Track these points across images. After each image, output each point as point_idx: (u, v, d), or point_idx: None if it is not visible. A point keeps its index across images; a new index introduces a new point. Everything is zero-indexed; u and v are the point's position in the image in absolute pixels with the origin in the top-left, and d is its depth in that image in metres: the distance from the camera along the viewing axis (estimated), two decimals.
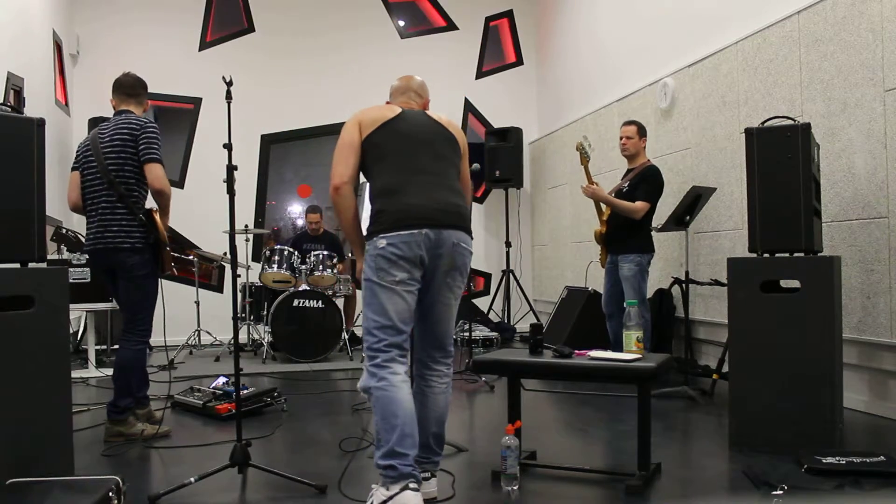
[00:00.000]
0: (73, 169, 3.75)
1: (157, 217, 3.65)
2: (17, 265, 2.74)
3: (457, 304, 2.70)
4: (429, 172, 2.63)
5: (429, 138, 2.69)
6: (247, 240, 7.19)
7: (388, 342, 2.49)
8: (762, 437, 3.23)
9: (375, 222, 2.56)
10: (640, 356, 2.93)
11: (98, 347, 5.94)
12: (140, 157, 3.57)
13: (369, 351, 2.52)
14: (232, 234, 3.01)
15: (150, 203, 3.67)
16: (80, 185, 3.70)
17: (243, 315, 6.72)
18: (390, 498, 2.34)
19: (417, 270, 2.53)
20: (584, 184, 4.97)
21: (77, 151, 3.79)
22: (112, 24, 7.74)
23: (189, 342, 6.95)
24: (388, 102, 2.87)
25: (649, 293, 5.63)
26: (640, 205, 4.81)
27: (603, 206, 5.05)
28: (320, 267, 6.50)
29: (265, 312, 6.67)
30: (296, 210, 8.46)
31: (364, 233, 2.65)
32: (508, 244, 7.86)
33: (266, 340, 6.50)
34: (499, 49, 8.89)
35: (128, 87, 3.80)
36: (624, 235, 4.91)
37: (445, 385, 2.73)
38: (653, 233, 4.96)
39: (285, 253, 6.54)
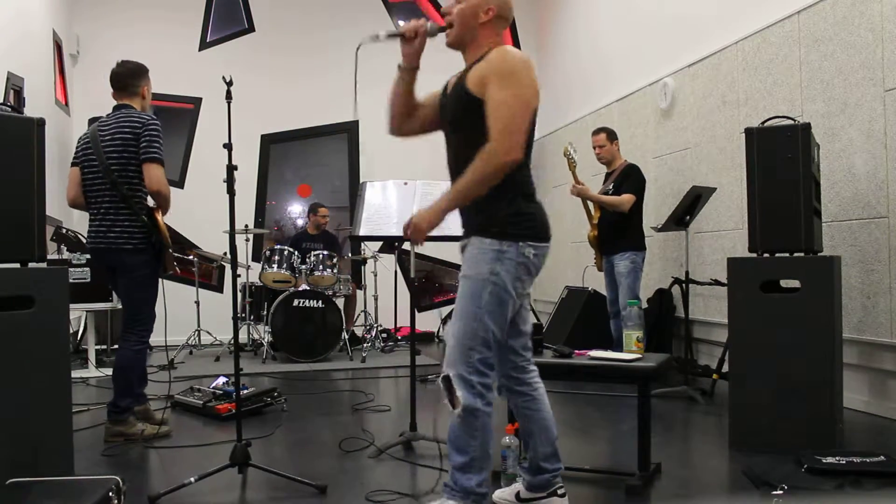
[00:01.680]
0: (73, 164, 3.70)
1: (160, 217, 3.61)
2: (17, 265, 2.74)
3: None
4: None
5: None
6: (247, 240, 7.19)
7: (493, 360, 2.26)
8: (762, 437, 3.23)
9: (518, 225, 2.25)
10: (640, 356, 2.93)
11: (98, 347, 5.94)
12: (140, 155, 3.53)
13: (482, 365, 2.21)
14: (232, 234, 3.00)
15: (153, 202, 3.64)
16: (81, 182, 3.65)
17: (243, 315, 6.72)
18: None
19: None
20: (572, 185, 5.12)
21: (77, 146, 3.72)
22: (112, 23, 7.74)
23: (189, 342, 6.94)
24: (486, 25, 2.33)
25: (649, 293, 5.65)
26: (626, 197, 4.92)
27: (592, 209, 5.17)
28: (320, 267, 6.50)
29: (265, 312, 6.66)
30: (296, 210, 8.46)
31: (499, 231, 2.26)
32: None
33: (266, 340, 6.50)
34: None
35: (118, 80, 3.73)
36: (616, 235, 5.01)
37: (540, 380, 2.52)
38: (653, 233, 5.00)
39: (285, 253, 6.54)
